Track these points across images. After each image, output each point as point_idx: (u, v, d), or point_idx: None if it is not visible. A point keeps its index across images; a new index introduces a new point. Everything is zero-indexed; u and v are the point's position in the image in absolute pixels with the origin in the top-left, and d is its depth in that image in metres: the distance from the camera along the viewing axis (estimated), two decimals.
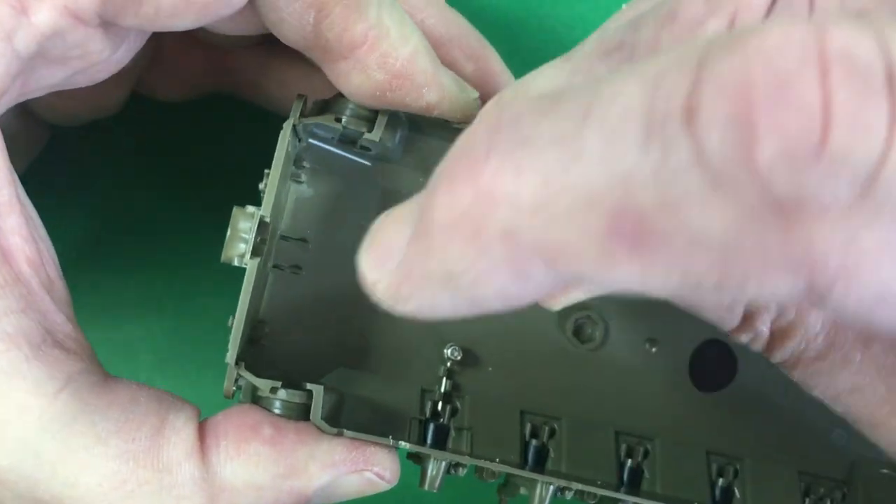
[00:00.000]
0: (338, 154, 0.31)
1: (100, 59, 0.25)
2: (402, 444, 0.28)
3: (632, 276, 0.15)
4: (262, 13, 0.26)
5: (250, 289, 0.26)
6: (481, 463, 0.29)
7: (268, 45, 0.34)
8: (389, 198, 0.32)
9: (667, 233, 0.14)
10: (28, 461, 0.23)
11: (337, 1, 0.25)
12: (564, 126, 0.15)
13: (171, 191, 0.38)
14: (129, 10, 0.24)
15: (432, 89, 0.27)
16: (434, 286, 0.18)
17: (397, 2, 0.27)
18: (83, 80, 0.27)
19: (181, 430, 0.25)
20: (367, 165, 0.32)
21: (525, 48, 0.40)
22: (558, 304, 0.21)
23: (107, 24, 0.24)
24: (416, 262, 0.18)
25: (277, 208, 0.28)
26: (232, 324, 0.27)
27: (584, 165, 0.15)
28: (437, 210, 0.17)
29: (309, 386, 0.27)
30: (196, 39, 0.33)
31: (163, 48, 0.33)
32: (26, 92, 0.25)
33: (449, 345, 0.32)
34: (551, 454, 0.31)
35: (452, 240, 0.16)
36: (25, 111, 0.31)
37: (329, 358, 0.31)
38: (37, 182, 0.29)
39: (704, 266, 0.14)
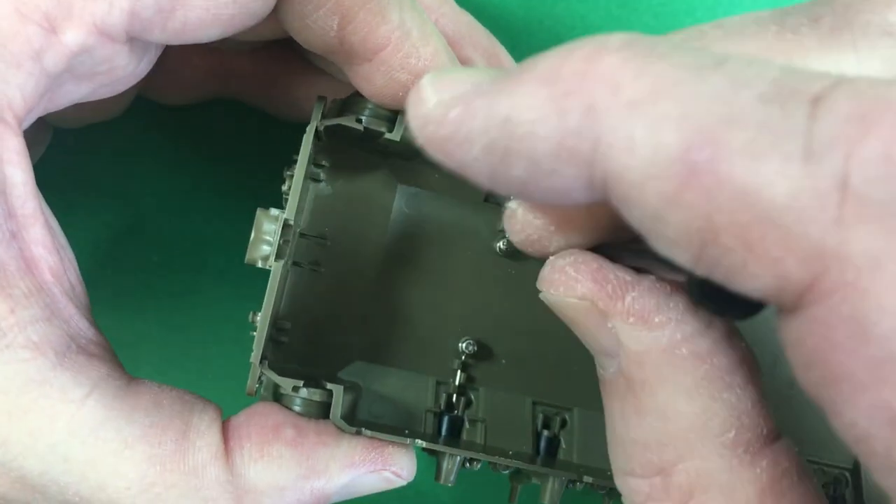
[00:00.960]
0: (355, 153, 0.31)
1: (124, 74, 0.26)
2: (419, 442, 0.28)
3: (674, 199, 0.16)
4: (285, 21, 0.26)
5: (275, 290, 0.27)
6: (495, 459, 0.29)
7: (272, 49, 0.34)
8: (407, 196, 0.33)
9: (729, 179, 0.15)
10: (58, 466, 0.24)
11: (360, 6, 0.25)
12: (700, 62, 0.16)
13: (175, 191, 0.38)
14: (156, 25, 0.24)
15: None
16: (485, 121, 0.18)
17: (417, 2, 0.27)
18: (105, 93, 0.27)
19: (205, 433, 0.25)
20: (383, 163, 0.32)
21: (525, 48, 0.40)
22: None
23: (133, 39, 0.24)
24: (484, 95, 0.18)
25: (299, 208, 0.28)
26: (253, 319, 0.28)
27: (697, 94, 0.16)
28: (541, 64, 0.18)
29: (329, 386, 0.27)
30: (201, 44, 0.33)
31: (167, 52, 0.33)
32: (50, 107, 0.25)
33: (464, 338, 0.32)
34: (563, 445, 0.32)
35: (537, 91, 0.17)
36: None
37: (346, 352, 0.32)
38: (40, 182, 0.29)
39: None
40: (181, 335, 0.38)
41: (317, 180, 0.31)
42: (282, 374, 0.27)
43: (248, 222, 0.38)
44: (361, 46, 0.26)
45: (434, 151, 0.20)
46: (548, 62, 0.17)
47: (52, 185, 0.35)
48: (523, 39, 0.40)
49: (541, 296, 0.22)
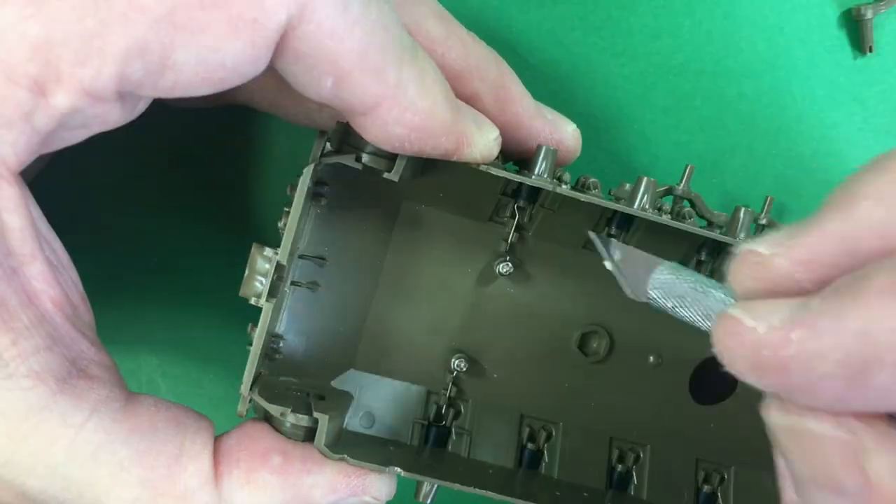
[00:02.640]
0: (358, 172, 0.30)
1: (118, 123, 0.26)
2: (399, 471, 0.29)
3: None
4: (281, 76, 0.26)
5: (266, 327, 0.27)
6: (471, 490, 0.29)
7: None
8: (410, 212, 0.32)
9: None
10: (57, 484, 0.25)
11: (356, 68, 0.25)
12: None
13: (177, 192, 0.38)
14: (146, 85, 0.24)
15: (451, 138, 0.27)
16: (832, 338, 0.18)
17: (419, 49, 0.27)
18: (100, 130, 0.27)
19: (197, 457, 0.26)
20: (386, 182, 0.32)
21: (525, 50, 0.40)
22: None
23: (123, 95, 0.24)
24: (825, 313, 0.19)
25: (296, 241, 0.29)
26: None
27: None
28: (877, 279, 0.18)
29: (315, 414, 0.28)
30: None
31: None
32: (45, 150, 0.26)
33: (457, 355, 0.32)
34: (545, 458, 0.32)
35: (889, 302, 0.18)
36: None
37: (340, 361, 0.32)
38: (41, 182, 0.29)
39: None
40: (181, 336, 0.38)
41: (318, 201, 0.31)
42: (275, 386, 0.28)
43: (251, 224, 0.39)
44: (358, 103, 0.26)
45: (766, 375, 0.20)
46: (884, 275, 0.18)
47: (53, 186, 0.35)
48: (523, 41, 0.40)
49: (768, 417, 0.21)
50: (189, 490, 0.26)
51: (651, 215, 0.29)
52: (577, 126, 0.35)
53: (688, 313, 0.23)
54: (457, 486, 0.29)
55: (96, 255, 0.38)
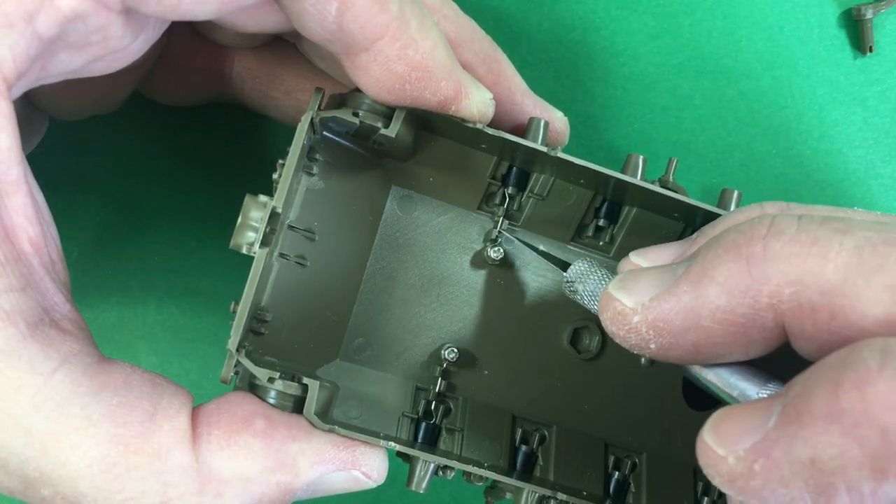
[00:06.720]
0: (351, 149, 0.30)
1: (119, 47, 0.25)
2: (392, 444, 0.28)
3: None
4: (284, 5, 0.25)
5: (257, 278, 0.26)
6: (469, 468, 0.29)
7: (275, 50, 0.34)
8: (400, 197, 0.32)
9: None
10: (19, 438, 0.23)
11: None
12: None
13: (176, 191, 0.39)
14: None
15: (450, 83, 0.27)
16: (790, 468, 0.20)
17: None
18: (99, 69, 0.26)
19: (174, 417, 0.25)
20: (378, 162, 0.31)
21: (525, 49, 0.40)
22: None
23: (128, 11, 0.24)
24: (778, 443, 0.20)
25: (288, 199, 0.28)
26: (234, 309, 0.27)
27: None
28: (816, 401, 0.19)
29: (305, 380, 0.27)
30: (204, 42, 0.33)
31: (170, 51, 0.33)
32: (44, 76, 0.25)
33: (446, 345, 0.32)
34: (539, 461, 0.32)
35: (829, 430, 0.19)
36: (26, 100, 0.31)
37: (326, 350, 0.31)
38: (42, 180, 0.29)
39: None
40: (181, 335, 0.38)
41: (309, 173, 0.30)
42: (260, 364, 0.27)
43: None
44: (360, 34, 0.26)
45: (748, 497, 0.21)
46: (821, 399, 0.19)
47: (54, 184, 0.35)
48: (523, 41, 0.40)
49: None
50: (163, 449, 0.24)
51: (647, 184, 0.29)
52: (577, 127, 0.35)
53: (587, 294, 0.27)
54: (455, 464, 0.28)
55: (96, 255, 0.38)
